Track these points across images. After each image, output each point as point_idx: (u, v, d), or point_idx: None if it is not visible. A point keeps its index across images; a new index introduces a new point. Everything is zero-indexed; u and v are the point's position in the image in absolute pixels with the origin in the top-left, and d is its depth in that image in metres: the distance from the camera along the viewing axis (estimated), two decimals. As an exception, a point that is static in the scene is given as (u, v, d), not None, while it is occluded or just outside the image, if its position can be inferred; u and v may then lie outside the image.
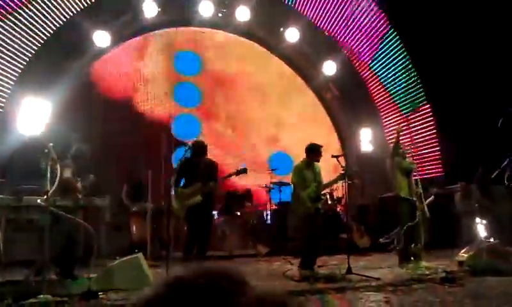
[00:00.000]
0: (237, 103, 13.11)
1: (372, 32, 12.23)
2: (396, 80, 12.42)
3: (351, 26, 12.28)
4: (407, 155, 8.39)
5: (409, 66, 12.11)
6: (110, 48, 11.35)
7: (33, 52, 10.04)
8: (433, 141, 12.03)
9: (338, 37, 12.53)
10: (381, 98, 12.77)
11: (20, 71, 9.85)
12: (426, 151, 12.09)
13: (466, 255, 7.43)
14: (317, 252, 7.37)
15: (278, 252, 9.81)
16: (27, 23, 9.87)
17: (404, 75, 12.25)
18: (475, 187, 10.44)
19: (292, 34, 12.26)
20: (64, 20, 10.37)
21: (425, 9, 10.96)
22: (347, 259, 7.04)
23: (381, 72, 12.59)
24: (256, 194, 11.74)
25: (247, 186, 11.53)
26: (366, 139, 12.63)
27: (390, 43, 12.21)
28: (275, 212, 11.10)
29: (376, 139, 12.53)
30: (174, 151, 11.53)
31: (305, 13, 12.23)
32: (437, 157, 11.97)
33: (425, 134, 12.12)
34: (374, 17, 12.07)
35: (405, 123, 11.93)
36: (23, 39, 9.87)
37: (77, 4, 10.43)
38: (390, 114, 12.68)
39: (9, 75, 9.75)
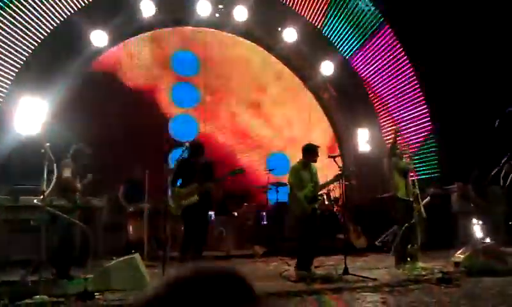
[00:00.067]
0: (233, 103, 13.10)
1: (370, 34, 12.23)
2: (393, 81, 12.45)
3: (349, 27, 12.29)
4: (404, 156, 8.41)
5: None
6: (107, 47, 11.34)
7: (30, 51, 10.02)
8: (430, 141, 12.04)
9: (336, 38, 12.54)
10: (379, 98, 12.77)
11: (17, 70, 9.83)
12: (423, 151, 12.10)
13: (462, 256, 7.44)
14: (313, 252, 7.38)
15: (275, 253, 9.81)
16: (24, 23, 9.85)
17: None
18: (471, 187, 10.47)
19: (289, 34, 12.26)
20: (62, 19, 10.35)
21: (422, 10, 10.98)
22: (344, 259, 7.05)
23: (378, 73, 12.59)
24: (253, 195, 11.76)
25: (245, 186, 11.56)
26: (363, 140, 12.64)
27: (388, 44, 12.22)
28: (272, 212, 11.10)
29: (373, 140, 12.53)
30: (171, 151, 11.55)
31: (303, 13, 12.23)
32: (434, 157, 11.98)
33: (422, 134, 12.12)
34: (372, 17, 12.07)
35: (402, 124, 11.95)
36: (20, 38, 9.84)
37: (74, 3, 10.41)
38: (387, 114, 12.68)
39: (6, 75, 9.73)
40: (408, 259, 7.74)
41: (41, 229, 5.68)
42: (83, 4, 10.53)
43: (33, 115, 8.17)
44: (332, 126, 13.90)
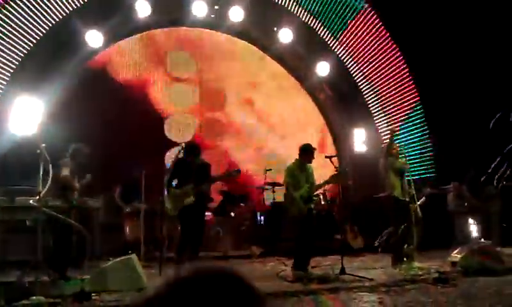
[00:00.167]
0: (229, 104, 13.10)
1: (366, 34, 12.25)
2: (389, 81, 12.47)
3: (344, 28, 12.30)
4: (400, 155, 8.42)
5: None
6: (103, 48, 11.31)
7: (26, 51, 9.99)
8: (426, 141, 12.07)
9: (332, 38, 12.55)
10: (374, 98, 12.79)
11: (12, 70, 9.80)
12: (419, 151, 12.12)
13: (458, 256, 7.46)
14: (310, 253, 7.38)
15: (272, 253, 9.81)
16: (20, 23, 9.82)
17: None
18: (466, 187, 10.51)
19: (285, 35, 12.25)
20: (57, 19, 10.32)
21: (418, 10, 11.00)
22: (341, 259, 7.06)
23: (373, 74, 12.62)
24: (250, 195, 11.77)
25: (243, 187, 11.58)
26: (359, 140, 12.65)
27: (383, 45, 12.24)
28: (269, 212, 11.10)
29: (369, 140, 12.55)
30: (167, 151, 11.55)
31: (298, 13, 12.23)
32: (430, 157, 12.01)
33: (418, 134, 12.15)
34: (368, 18, 12.09)
35: (398, 123, 11.97)
36: (15, 38, 9.81)
37: (69, 3, 10.38)
38: (384, 114, 12.70)
39: (1, 75, 9.69)
40: (405, 259, 7.76)
41: (38, 230, 5.66)
42: (78, 5, 10.49)
43: (29, 115, 8.18)
44: (328, 126, 13.90)
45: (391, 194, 7.94)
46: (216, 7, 11.88)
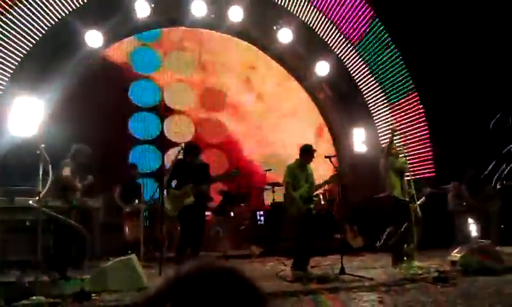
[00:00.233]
0: (228, 103, 13.10)
1: (361, 29, 12.25)
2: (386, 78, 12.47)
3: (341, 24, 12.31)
4: (400, 155, 8.42)
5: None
6: (103, 48, 11.31)
7: (25, 52, 9.98)
8: (426, 141, 12.07)
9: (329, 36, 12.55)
10: (374, 98, 12.79)
11: (12, 71, 9.79)
12: (419, 151, 12.12)
13: (458, 255, 7.46)
14: (309, 252, 7.38)
15: (272, 253, 9.81)
16: (19, 23, 9.81)
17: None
18: (465, 187, 10.52)
19: (285, 35, 12.25)
20: (57, 20, 10.31)
21: (416, 8, 11.00)
22: (341, 259, 7.05)
23: (371, 72, 12.62)
24: (250, 194, 11.79)
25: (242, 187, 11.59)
26: (359, 139, 12.64)
27: (382, 44, 12.24)
28: (269, 212, 11.10)
29: (369, 139, 12.54)
30: (167, 151, 11.57)
31: (298, 13, 12.23)
32: (430, 157, 12.01)
33: (417, 134, 12.15)
34: (363, 14, 12.09)
35: (398, 123, 11.96)
36: (15, 39, 9.81)
37: (69, 4, 10.37)
38: (383, 114, 12.69)
39: (1, 75, 9.68)
40: (405, 258, 7.76)
41: (38, 230, 5.66)
42: (78, 5, 10.49)
43: (29, 116, 8.19)
44: (328, 126, 13.90)
45: (391, 194, 7.94)
46: (215, 6, 11.86)
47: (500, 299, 5.39)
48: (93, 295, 5.44)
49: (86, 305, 5.21)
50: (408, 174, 8.42)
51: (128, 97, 12.04)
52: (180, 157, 7.30)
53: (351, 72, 12.87)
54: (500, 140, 10.49)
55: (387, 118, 12.53)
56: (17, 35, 9.83)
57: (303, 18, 12.28)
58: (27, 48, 10.01)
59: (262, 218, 11.24)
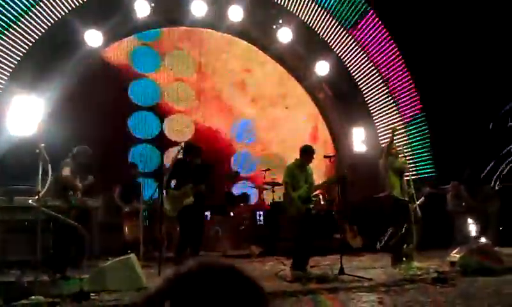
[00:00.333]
0: (229, 103, 13.10)
1: (366, 34, 12.26)
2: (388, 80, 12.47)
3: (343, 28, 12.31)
4: (400, 155, 8.42)
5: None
6: (102, 47, 11.30)
7: (24, 51, 9.98)
8: (426, 141, 12.07)
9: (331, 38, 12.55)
10: (374, 98, 12.79)
11: (11, 70, 9.79)
12: (419, 151, 12.13)
13: (457, 255, 7.46)
14: (308, 252, 7.38)
15: (271, 253, 9.81)
16: (18, 22, 9.80)
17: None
18: (464, 187, 10.52)
19: (285, 34, 12.24)
20: (56, 19, 10.31)
21: (418, 10, 11.00)
22: (340, 259, 7.05)
23: (373, 72, 12.62)
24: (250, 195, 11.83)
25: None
26: (359, 139, 12.65)
27: (383, 44, 12.25)
28: (268, 212, 11.10)
29: (368, 139, 12.55)
30: (166, 150, 11.56)
31: (298, 13, 12.22)
32: (430, 156, 12.01)
33: (417, 134, 12.15)
34: (368, 18, 12.10)
35: (398, 123, 11.96)
36: (14, 38, 9.80)
37: (69, 3, 10.37)
38: (383, 114, 12.69)
39: (0, 74, 9.68)
40: (404, 259, 7.76)
41: (37, 229, 5.66)
42: (78, 4, 10.48)
43: (28, 115, 8.18)
44: (327, 126, 13.91)
45: (390, 194, 7.93)
46: (215, 6, 11.85)
47: (499, 299, 5.39)
48: (92, 294, 5.43)
49: (85, 305, 5.20)
50: (408, 174, 8.41)
51: (128, 96, 12.04)
52: (180, 156, 7.28)
53: (351, 72, 12.86)
54: (499, 140, 10.48)
55: (387, 118, 12.53)
56: (16, 34, 9.82)
57: (303, 18, 12.27)
58: (27, 47, 10.00)
59: (262, 218, 11.22)
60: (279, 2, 12.02)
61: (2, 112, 8.85)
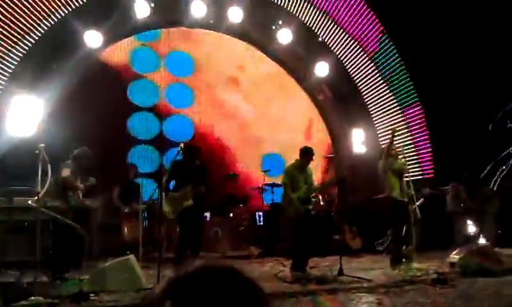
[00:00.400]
0: (228, 105, 13.10)
1: (365, 35, 12.26)
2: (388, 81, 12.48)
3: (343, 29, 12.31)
4: (399, 156, 8.42)
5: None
6: (102, 48, 11.29)
7: (24, 51, 9.97)
8: (425, 142, 12.07)
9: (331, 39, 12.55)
10: (374, 99, 12.79)
11: (11, 71, 9.78)
12: (418, 152, 12.13)
13: (457, 256, 7.47)
14: (308, 253, 7.38)
15: (271, 254, 9.82)
16: (18, 23, 9.79)
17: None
18: (463, 188, 10.52)
19: (284, 35, 12.22)
20: (56, 19, 10.30)
21: (417, 12, 11.01)
22: (339, 260, 7.05)
23: (373, 73, 12.62)
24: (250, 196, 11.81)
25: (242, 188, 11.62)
26: (358, 140, 12.65)
27: (382, 45, 12.26)
28: (267, 213, 11.09)
29: (368, 140, 12.55)
30: (166, 151, 11.57)
31: (298, 13, 12.22)
32: (429, 158, 12.01)
33: (417, 135, 12.15)
34: (367, 20, 12.10)
35: (398, 124, 11.96)
36: (14, 38, 9.79)
37: (69, 3, 10.36)
38: (383, 115, 12.70)
39: (0, 75, 9.68)
40: (403, 260, 7.76)
41: (36, 230, 5.66)
42: (77, 5, 10.48)
43: (28, 115, 8.18)
44: (327, 127, 13.90)
45: (390, 195, 7.93)
46: (215, 7, 11.84)
47: (499, 300, 5.40)
48: (91, 295, 5.43)
49: (84, 305, 5.21)
50: (407, 175, 8.41)
51: (128, 97, 12.03)
52: (179, 158, 7.27)
53: (351, 73, 12.87)
54: (499, 142, 10.48)
55: (386, 119, 12.53)
56: (16, 34, 9.81)
57: (303, 19, 12.27)
58: (26, 47, 9.99)
59: (261, 219, 11.21)
60: (279, 2, 12.02)
61: (1, 113, 8.84)
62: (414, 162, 11.89)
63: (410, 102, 12.23)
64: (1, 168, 8.81)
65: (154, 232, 8.73)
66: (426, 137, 12.06)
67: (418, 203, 8.48)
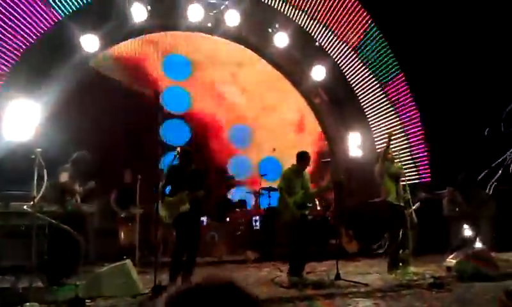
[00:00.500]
0: (225, 108, 13.11)
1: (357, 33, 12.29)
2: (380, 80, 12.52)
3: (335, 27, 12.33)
4: (396, 160, 8.43)
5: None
6: (99, 52, 11.27)
7: (19, 55, 9.94)
8: (421, 146, 12.10)
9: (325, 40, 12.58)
10: (370, 103, 12.82)
11: (7, 74, 9.75)
12: (414, 156, 12.14)
13: (454, 261, 7.48)
14: (304, 258, 7.38)
15: (267, 258, 9.80)
16: (14, 26, 9.78)
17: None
18: (459, 192, 10.53)
19: (281, 39, 12.23)
20: (53, 23, 10.29)
21: (414, 15, 11.03)
22: (336, 265, 7.06)
23: (369, 77, 12.65)
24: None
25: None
26: (355, 144, 12.67)
27: (375, 46, 12.28)
28: (264, 217, 11.08)
29: (364, 144, 12.57)
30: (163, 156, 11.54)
31: (294, 17, 12.24)
32: (425, 162, 12.03)
33: (413, 139, 12.18)
34: (358, 17, 12.12)
35: (395, 128, 11.98)
36: (10, 42, 9.78)
37: (65, 7, 10.35)
38: (379, 119, 12.71)
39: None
40: (400, 264, 7.77)
41: (32, 235, 5.64)
42: (74, 8, 10.47)
43: (24, 119, 8.14)
44: (323, 131, 13.91)
45: (386, 199, 7.94)
46: (214, 12, 11.84)
47: (495, 305, 5.39)
48: (87, 301, 5.42)
49: (81, 311, 5.19)
50: (404, 179, 8.43)
51: (125, 101, 12.00)
52: (175, 162, 7.24)
53: (347, 77, 12.89)
54: (495, 146, 10.50)
55: (383, 123, 12.55)
56: (12, 38, 9.79)
57: (299, 22, 12.29)
58: (23, 51, 9.97)
59: (258, 223, 11.20)
60: (275, 6, 12.03)
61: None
62: (410, 166, 11.91)
63: (407, 106, 12.25)
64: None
65: (151, 236, 8.71)
66: (422, 141, 12.07)
67: (414, 207, 8.50)
